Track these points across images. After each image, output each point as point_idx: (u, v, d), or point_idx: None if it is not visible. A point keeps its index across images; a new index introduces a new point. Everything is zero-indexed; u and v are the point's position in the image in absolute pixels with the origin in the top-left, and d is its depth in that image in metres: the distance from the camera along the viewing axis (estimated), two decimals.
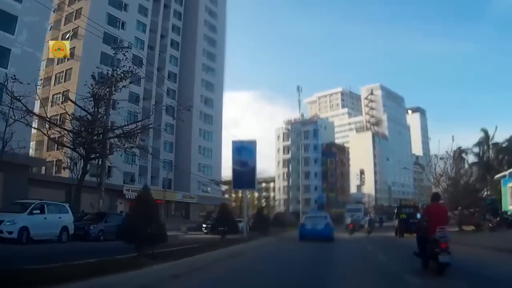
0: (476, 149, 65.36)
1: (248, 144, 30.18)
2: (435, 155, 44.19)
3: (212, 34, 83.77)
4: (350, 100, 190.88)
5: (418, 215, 24.26)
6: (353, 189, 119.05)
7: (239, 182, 30.58)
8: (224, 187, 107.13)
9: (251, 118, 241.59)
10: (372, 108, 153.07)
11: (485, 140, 65.20)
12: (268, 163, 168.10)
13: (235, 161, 29.49)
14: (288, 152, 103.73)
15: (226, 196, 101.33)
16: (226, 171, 75.21)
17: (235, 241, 22.27)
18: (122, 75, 28.77)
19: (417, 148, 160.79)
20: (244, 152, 29.04)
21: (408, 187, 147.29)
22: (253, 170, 29.20)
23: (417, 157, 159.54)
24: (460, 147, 75.46)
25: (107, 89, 27.67)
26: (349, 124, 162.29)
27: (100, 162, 30.30)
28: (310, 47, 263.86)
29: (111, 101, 29.21)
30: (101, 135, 27.20)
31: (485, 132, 65.50)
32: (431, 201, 13.33)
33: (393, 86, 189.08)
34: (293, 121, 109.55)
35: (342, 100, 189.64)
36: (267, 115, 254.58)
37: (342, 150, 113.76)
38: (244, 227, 31.24)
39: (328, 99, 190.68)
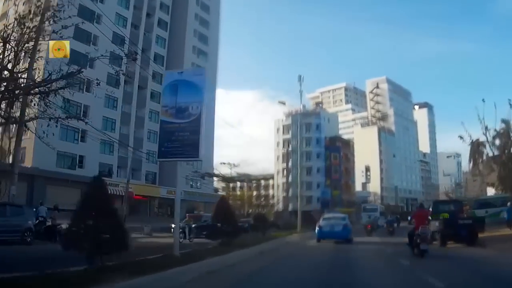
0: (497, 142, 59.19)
1: (192, 77, 15.48)
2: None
3: (205, 15, 75.83)
4: (354, 96, 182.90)
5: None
6: (357, 187, 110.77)
7: (171, 147, 14.83)
8: (221, 184, 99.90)
9: (255, 117, 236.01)
10: (377, 102, 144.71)
11: (506, 132, 58.68)
12: (269, 161, 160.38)
13: (166, 108, 15.08)
14: (288, 146, 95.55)
15: (221, 193, 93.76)
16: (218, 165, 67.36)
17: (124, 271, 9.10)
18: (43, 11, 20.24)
19: (424, 146, 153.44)
20: (185, 90, 14.63)
21: (415, 185, 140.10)
22: (196, 122, 14.43)
23: (425, 154, 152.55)
24: (478, 139, 68.65)
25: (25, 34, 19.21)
26: (353, 120, 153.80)
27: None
28: (314, 45, 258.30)
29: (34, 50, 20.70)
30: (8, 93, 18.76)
31: (506, 123, 59.03)
32: (418, 208, 22.91)
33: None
34: (294, 112, 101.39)
35: (346, 95, 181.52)
36: (271, 114, 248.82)
37: (347, 145, 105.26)
38: (175, 235, 15.27)
39: (331, 95, 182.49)
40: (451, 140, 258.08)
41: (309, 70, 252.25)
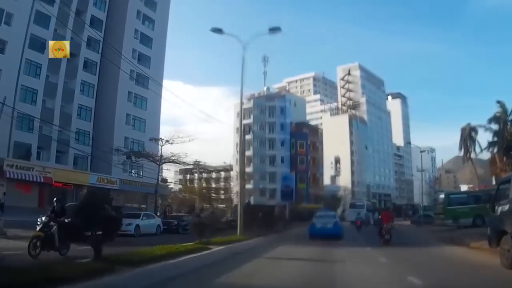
0: (494, 126, 53.88)
1: None
2: None
3: None
4: (323, 87, 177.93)
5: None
6: (326, 180, 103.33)
7: None
8: (171, 174, 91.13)
9: (223, 113, 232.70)
10: (349, 90, 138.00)
11: (502, 115, 53.03)
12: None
13: None
14: (249, 132, 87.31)
15: (171, 185, 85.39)
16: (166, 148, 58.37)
17: None
18: None
19: (397, 138, 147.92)
20: None
21: (389, 180, 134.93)
22: None
23: (398, 147, 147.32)
24: (469, 123, 62.16)
25: None
26: (322, 111, 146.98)
27: None
28: (283, 43, 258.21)
29: None
30: None
31: (502, 105, 53.31)
32: (385, 210, 33.75)
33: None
34: (257, 95, 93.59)
35: (314, 85, 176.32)
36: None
37: (315, 132, 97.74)
38: None
39: (299, 85, 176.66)
40: (423, 136, 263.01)
41: (278, 68, 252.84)
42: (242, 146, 21.30)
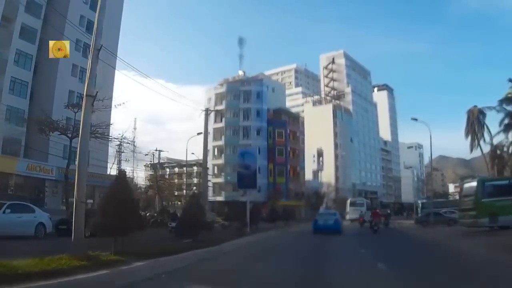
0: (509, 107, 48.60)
1: None
2: None
3: None
4: (306, 79, 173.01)
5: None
6: (308, 175, 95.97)
7: None
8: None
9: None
10: (333, 79, 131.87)
11: None
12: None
13: None
14: (221, 120, 79.69)
15: (140, 180, 77.77)
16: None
17: None
18: None
19: (384, 132, 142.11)
20: None
21: (375, 177, 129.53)
22: None
23: (385, 142, 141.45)
24: (475, 106, 55.17)
25: None
26: (303, 105, 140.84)
27: None
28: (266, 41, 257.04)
29: None
30: None
31: None
32: (375, 209, 43.05)
33: None
34: (231, 79, 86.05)
35: (296, 78, 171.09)
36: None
37: (295, 120, 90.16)
38: None
39: (280, 77, 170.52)
40: (410, 133, 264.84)
41: (258, 64, 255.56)
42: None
